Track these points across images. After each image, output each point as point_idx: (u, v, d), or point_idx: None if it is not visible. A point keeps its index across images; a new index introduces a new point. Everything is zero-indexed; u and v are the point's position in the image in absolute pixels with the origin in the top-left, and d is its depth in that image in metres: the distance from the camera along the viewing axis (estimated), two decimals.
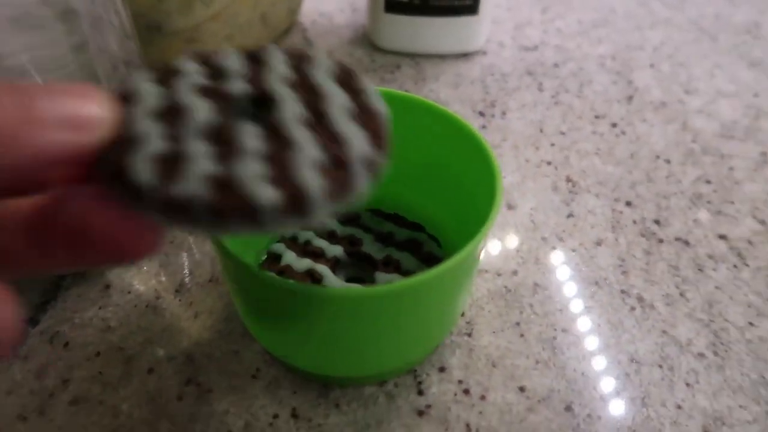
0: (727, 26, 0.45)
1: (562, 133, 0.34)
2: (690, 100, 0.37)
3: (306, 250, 0.25)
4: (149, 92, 0.14)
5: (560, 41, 0.43)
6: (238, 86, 0.15)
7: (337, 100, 0.15)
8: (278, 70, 0.16)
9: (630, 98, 0.37)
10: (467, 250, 0.17)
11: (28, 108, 0.11)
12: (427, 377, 0.23)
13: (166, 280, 0.26)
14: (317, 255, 0.24)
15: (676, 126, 0.35)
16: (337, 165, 0.13)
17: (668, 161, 0.33)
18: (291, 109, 0.15)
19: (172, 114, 0.14)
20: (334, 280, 0.23)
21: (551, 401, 0.22)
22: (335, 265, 0.24)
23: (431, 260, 0.24)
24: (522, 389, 0.22)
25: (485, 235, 0.18)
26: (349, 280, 0.25)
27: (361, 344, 0.19)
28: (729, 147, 0.34)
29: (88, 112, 0.12)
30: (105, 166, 0.13)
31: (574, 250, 0.28)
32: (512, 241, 0.28)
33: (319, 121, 0.14)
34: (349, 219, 0.26)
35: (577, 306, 0.25)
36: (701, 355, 0.24)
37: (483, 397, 0.22)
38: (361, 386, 0.22)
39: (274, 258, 0.25)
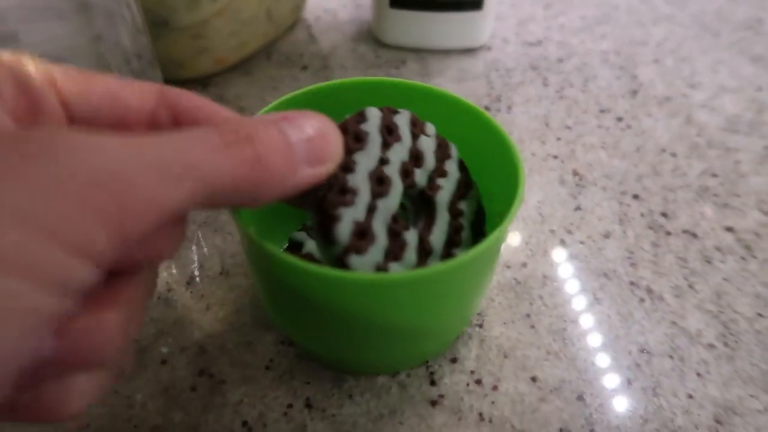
0: (728, 22, 0.45)
1: (568, 127, 0.35)
2: (694, 95, 0.37)
3: None
4: (374, 145, 0.19)
5: (563, 37, 0.43)
6: (421, 179, 0.20)
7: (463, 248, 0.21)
8: (449, 185, 0.21)
9: (634, 93, 0.37)
10: (492, 239, 0.17)
11: (288, 144, 0.14)
12: (439, 368, 0.23)
13: (177, 272, 0.26)
14: None
15: (681, 120, 0.35)
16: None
17: (674, 155, 0.33)
18: (439, 236, 0.20)
19: (379, 183, 0.19)
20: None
21: (563, 391, 0.22)
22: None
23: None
24: (534, 379, 0.22)
25: (508, 227, 0.18)
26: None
27: (378, 332, 0.19)
28: (734, 141, 0.34)
29: (332, 150, 0.15)
30: (315, 198, 0.17)
31: (582, 243, 0.28)
32: (521, 234, 0.28)
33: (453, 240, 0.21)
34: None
35: (586, 298, 0.25)
36: (711, 345, 0.24)
37: (495, 387, 0.22)
38: (374, 377, 0.22)
39: (296, 246, 0.25)
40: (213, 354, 0.23)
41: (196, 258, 0.27)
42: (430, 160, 0.21)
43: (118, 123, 0.14)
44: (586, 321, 0.24)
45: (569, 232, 0.28)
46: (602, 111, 0.36)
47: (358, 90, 0.23)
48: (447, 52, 0.41)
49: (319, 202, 0.17)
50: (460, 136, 0.23)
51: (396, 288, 0.17)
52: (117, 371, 0.14)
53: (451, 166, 0.22)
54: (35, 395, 0.12)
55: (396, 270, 0.18)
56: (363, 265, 0.17)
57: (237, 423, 0.21)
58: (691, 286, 0.26)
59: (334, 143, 0.16)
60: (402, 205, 0.21)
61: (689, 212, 0.29)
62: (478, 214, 0.23)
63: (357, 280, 0.16)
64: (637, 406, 0.22)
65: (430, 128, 0.22)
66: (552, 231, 0.28)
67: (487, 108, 0.36)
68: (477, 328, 0.24)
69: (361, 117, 0.19)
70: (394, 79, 0.23)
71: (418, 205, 0.21)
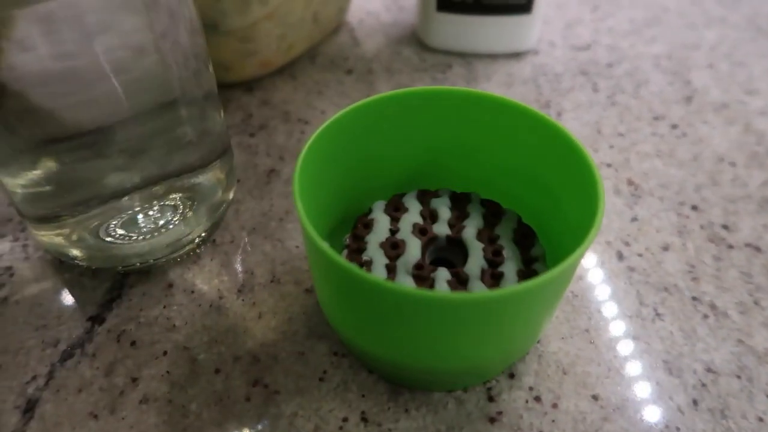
0: None
1: (621, 135, 0.34)
2: (751, 101, 0.36)
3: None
4: (381, 224, 0.23)
5: (612, 40, 0.42)
6: (441, 230, 0.23)
7: (510, 264, 0.22)
8: (474, 222, 0.23)
9: (689, 99, 0.36)
10: (573, 259, 0.17)
11: None
12: (497, 383, 0.22)
13: (228, 280, 0.26)
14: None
15: (739, 128, 0.34)
16: None
17: (733, 164, 0.32)
18: (476, 263, 0.22)
19: (394, 247, 0.22)
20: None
21: (626, 410, 0.21)
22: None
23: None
24: (595, 398, 0.22)
25: (588, 246, 0.17)
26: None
27: (448, 350, 0.18)
28: None
29: None
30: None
31: (640, 255, 0.27)
32: None
33: (492, 275, 0.21)
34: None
35: (647, 312, 0.25)
36: None
37: (555, 405, 0.22)
38: (430, 392, 0.22)
39: (354, 251, 0.24)
40: (266, 363, 0.23)
41: (246, 266, 0.26)
42: (445, 213, 0.23)
43: None
44: (648, 337, 0.24)
45: (626, 244, 0.27)
46: (656, 118, 0.35)
47: (423, 98, 0.23)
48: (493, 57, 0.40)
49: None
50: (534, 151, 0.22)
51: (467, 307, 0.16)
52: None
53: (473, 207, 0.24)
54: None
55: None
56: None
57: None
58: (756, 303, 0.25)
59: None
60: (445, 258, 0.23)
61: (752, 224, 0.28)
62: (520, 232, 0.23)
63: (436, 299, 0.16)
64: (704, 428, 0.21)
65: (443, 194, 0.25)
66: (608, 243, 0.27)
67: None
68: (534, 343, 0.23)
69: (369, 210, 0.24)
70: (467, 89, 0.23)
71: (453, 249, 0.23)
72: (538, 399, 0.22)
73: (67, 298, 0.25)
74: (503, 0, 0.37)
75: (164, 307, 0.25)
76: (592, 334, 0.24)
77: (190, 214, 0.26)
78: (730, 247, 0.27)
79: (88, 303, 0.25)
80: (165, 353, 0.23)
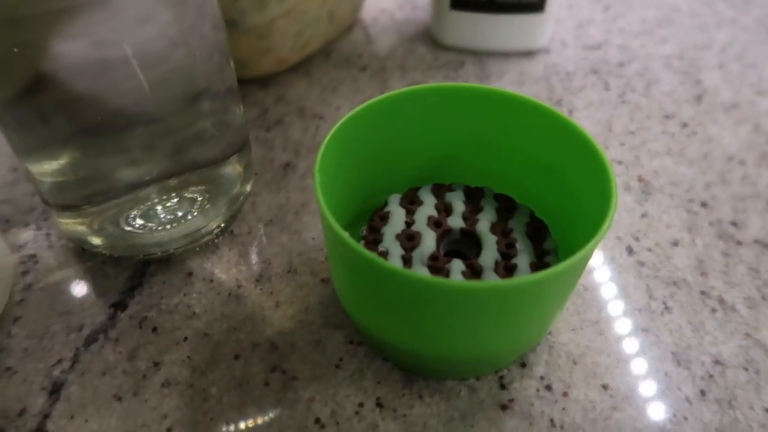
0: None
1: (631, 133, 0.34)
2: (761, 102, 0.37)
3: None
4: (397, 216, 0.24)
5: (624, 40, 0.43)
6: (455, 222, 0.23)
7: (523, 256, 0.22)
8: (488, 215, 0.24)
9: (699, 98, 0.37)
10: (586, 250, 0.17)
11: None
12: (508, 372, 0.23)
13: (245, 270, 0.27)
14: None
15: (749, 128, 0.35)
16: None
17: (742, 163, 0.32)
18: (490, 255, 0.22)
19: (409, 239, 0.22)
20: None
21: (636, 400, 0.22)
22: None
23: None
24: (605, 387, 0.22)
25: (601, 238, 0.18)
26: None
27: (462, 338, 0.19)
28: None
29: None
30: None
31: (650, 250, 0.27)
32: None
33: (506, 266, 0.22)
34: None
35: (656, 306, 0.25)
36: None
37: (565, 394, 0.22)
38: (444, 380, 0.23)
39: (371, 242, 0.25)
40: (284, 351, 0.23)
41: (263, 256, 0.27)
42: (459, 206, 0.24)
43: None
44: (657, 330, 0.24)
45: (636, 239, 0.28)
46: (666, 117, 0.35)
47: (438, 95, 0.24)
48: (505, 55, 0.41)
49: None
50: (548, 146, 0.23)
51: (482, 296, 0.17)
52: None
53: (487, 201, 0.25)
54: None
55: None
56: None
57: (310, 419, 0.21)
58: (764, 298, 0.25)
59: None
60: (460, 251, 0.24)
61: (760, 222, 0.29)
62: (533, 226, 0.23)
63: (452, 287, 0.17)
64: (712, 418, 0.21)
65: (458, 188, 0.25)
66: (618, 238, 0.28)
67: None
68: (545, 335, 0.24)
69: (385, 203, 0.24)
70: (482, 86, 0.23)
71: (467, 242, 0.24)
72: (548, 388, 0.22)
73: (90, 286, 0.26)
74: None
75: (184, 295, 0.25)
76: (602, 326, 0.24)
77: (208, 205, 0.26)
78: (739, 243, 0.28)
79: (110, 290, 0.26)
80: (185, 339, 0.24)
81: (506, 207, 0.24)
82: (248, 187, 0.29)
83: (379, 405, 0.22)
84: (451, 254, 0.24)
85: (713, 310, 0.25)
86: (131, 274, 0.26)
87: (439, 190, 0.25)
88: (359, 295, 0.20)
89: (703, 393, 0.22)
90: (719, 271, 0.26)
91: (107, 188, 0.24)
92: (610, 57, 0.41)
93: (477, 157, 0.25)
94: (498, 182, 0.26)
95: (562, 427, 0.21)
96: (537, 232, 0.23)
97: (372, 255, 0.17)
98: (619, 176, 0.31)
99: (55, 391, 0.22)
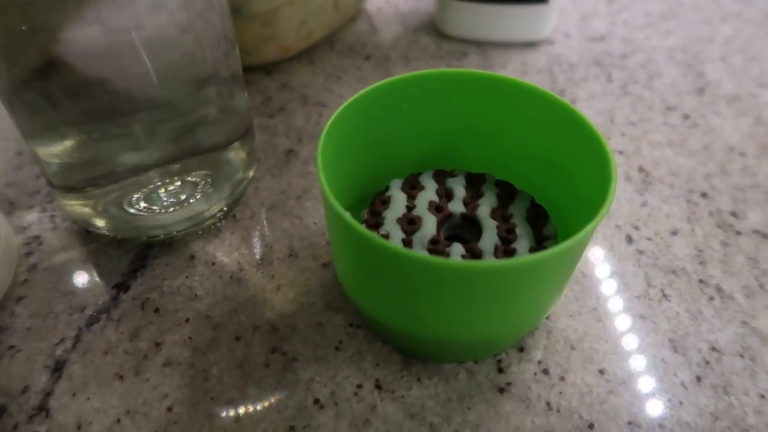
0: None
1: (633, 124, 0.34)
2: (763, 94, 0.37)
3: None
4: (398, 201, 0.24)
5: (627, 33, 0.43)
6: (456, 208, 0.24)
7: (523, 241, 0.22)
8: (488, 201, 0.24)
9: (701, 90, 0.37)
10: (585, 232, 0.17)
11: None
12: (506, 356, 0.23)
13: (247, 253, 0.27)
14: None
15: (750, 119, 0.35)
16: None
17: (743, 154, 0.32)
18: (490, 239, 0.22)
19: (410, 223, 0.23)
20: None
21: (632, 385, 0.22)
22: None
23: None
24: (602, 372, 0.23)
25: (601, 220, 0.18)
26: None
27: (461, 320, 0.19)
28: None
29: None
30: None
31: (649, 239, 0.27)
32: None
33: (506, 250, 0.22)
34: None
35: (655, 293, 0.25)
36: None
37: (562, 378, 0.22)
38: (442, 363, 0.23)
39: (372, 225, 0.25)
40: (285, 333, 0.24)
41: (265, 240, 0.27)
42: (460, 192, 0.24)
43: None
44: (655, 317, 0.24)
45: (636, 228, 0.28)
46: (668, 108, 0.35)
47: (441, 81, 0.24)
48: (508, 46, 0.41)
49: None
50: (549, 132, 0.23)
51: (481, 276, 0.17)
52: None
53: (488, 187, 0.25)
54: None
55: None
56: None
57: (309, 400, 0.22)
58: (762, 287, 0.26)
59: None
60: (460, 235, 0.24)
61: (760, 212, 0.29)
62: (533, 212, 0.24)
63: (451, 266, 0.17)
64: (707, 403, 0.22)
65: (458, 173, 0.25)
66: (618, 226, 0.28)
67: None
68: (544, 320, 0.24)
69: (386, 188, 0.25)
70: (485, 72, 0.23)
71: (467, 226, 0.24)
72: (546, 372, 0.23)
73: (93, 267, 0.26)
74: None
75: (186, 277, 0.26)
76: (600, 312, 0.25)
77: (211, 190, 0.27)
78: (738, 233, 0.28)
79: (113, 272, 0.26)
80: (187, 320, 0.24)
81: (507, 193, 0.24)
82: (251, 173, 0.29)
83: (377, 386, 0.22)
84: (452, 239, 0.24)
85: (711, 299, 0.25)
86: (134, 256, 0.27)
87: (440, 176, 0.25)
88: (359, 277, 0.20)
89: (699, 379, 0.22)
90: (718, 260, 0.27)
91: (111, 171, 0.24)
92: (614, 49, 0.41)
93: (478, 143, 0.26)
94: (499, 169, 0.26)
95: (558, 410, 0.21)
96: (537, 217, 0.23)
97: (373, 234, 0.17)
98: (620, 166, 0.31)
99: (58, 369, 0.23)
